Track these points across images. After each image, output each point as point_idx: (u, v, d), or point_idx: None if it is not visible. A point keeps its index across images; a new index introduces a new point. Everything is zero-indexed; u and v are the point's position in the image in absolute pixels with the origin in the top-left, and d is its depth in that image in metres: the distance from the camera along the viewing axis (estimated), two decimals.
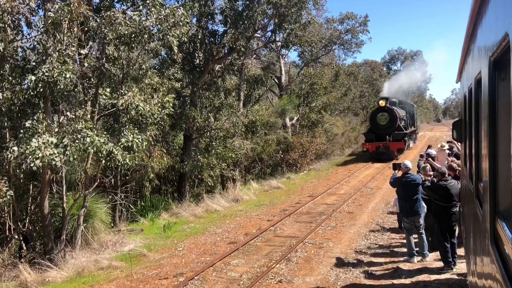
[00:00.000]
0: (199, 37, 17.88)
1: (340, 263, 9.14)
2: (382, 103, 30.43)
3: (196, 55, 18.28)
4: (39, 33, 9.82)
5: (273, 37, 25.24)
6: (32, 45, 10.08)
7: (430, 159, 11.16)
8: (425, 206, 8.98)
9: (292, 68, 35.14)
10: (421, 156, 15.62)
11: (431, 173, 9.22)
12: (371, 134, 30.63)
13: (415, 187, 8.72)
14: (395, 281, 7.94)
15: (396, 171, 9.35)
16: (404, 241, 10.36)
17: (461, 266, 8.22)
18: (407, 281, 7.92)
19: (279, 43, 27.71)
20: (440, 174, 8.33)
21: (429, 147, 19.09)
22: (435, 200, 8.26)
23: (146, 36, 10.71)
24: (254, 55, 26.06)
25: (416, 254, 8.96)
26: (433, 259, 8.91)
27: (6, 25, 9.01)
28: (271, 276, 8.50)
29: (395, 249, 9.90)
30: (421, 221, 8.85)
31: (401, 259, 9.14)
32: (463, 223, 8.04)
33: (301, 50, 32.06)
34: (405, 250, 9.61)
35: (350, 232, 11.53)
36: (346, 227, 12.11)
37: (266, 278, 8.38)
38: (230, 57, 19.06)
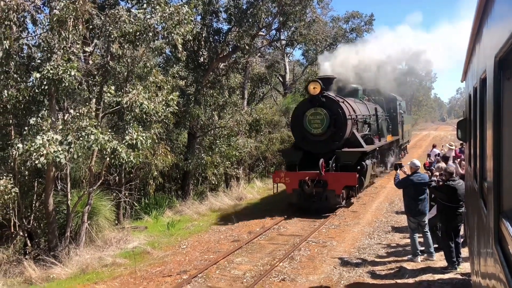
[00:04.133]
0: (204, 35, 17.87)
1: (344, 262, 9.13)
2: (314, 88, 14.28)
3: (201, 53, 18.27)
4: (44, 30, 9.85)
5: (278, 35, 25.19)
6: (37, 43, 10.11)
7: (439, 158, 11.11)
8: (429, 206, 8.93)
9: (296, 66, 35.06)
10: (429, 155, 15.60)
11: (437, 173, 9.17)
12: (294, 153, 14.98)
13: (424, 186, 8.69)
14: (399, 281, 7.93)
15: (398, 171, 9.28)
16: (408, 240, 10.36)
17: (465, 266, 8.19)
18: (411, 280, 7.91)
19: (283, 42, 27.65)
20: (448, 173, 8.27)
21: (433, 146, 19.06)
22: (441, 200, 8.19)
23: (150, 34, 10.73)
24: (259, 54, 26.00)
25: (420, 253, 8.93)
26: (437, 259, 8.88)
27: (11, 23, 9.03)
28: (274, 274, 8.50)
29: (399, 249, 9.88)
30: (426, 220, 8.84)
31: (405, 258, 9.12)
32: (467, 223, 8.01)
33: (305, 48, 31.96)
34: (409, 249, 9.59)
35: (353, 231, 11.52)
36: (349, 226, 12.09)
37: (270, 276, 8.39)
38: (234, 56, 19.04)
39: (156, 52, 12.78)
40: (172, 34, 10.99)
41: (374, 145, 16.00)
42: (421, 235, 9.06)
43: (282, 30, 22.94)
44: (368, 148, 14.69)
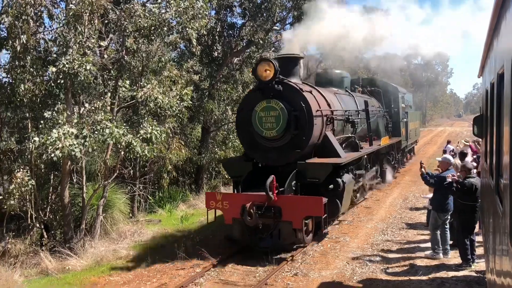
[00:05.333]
0: (218, 29, 17.88)
1: (357, 257, 9.11)
2: (265, 71, 9.78)
3: (215, 47, 18.30)
4: (61, 25, 9.95)
5: (292, 29, 25.09)
6: (53, 37, 10.22)
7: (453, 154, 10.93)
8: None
9: (310, 61, 34.89)
10: (444, 151, 15.38)
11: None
12: (238, 165, 10.86)
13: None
14: (412, 277, 7.89)
15: (424, 169, 8.91)
16: (422, 237, 10.29)
17: (479, 263, 8.12)
18: (424, 277, 7.86)
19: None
20: (467, 170, 8.13)
21: (448, 142, 18.84)
22: (459, 199, 8.01)
23: (165, 28, 10.77)
24: (273, 48, 25.96)
25: (442, 250, 8.76)
26: (451, 256, 8.81)
27: (29, 17, 9.14)
28: (286, 269, 8.52)
29: (412, 245, 9.82)
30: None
31: (419, 255, 9.06)
32: (482, 220, 7.92)
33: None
34: (423, 245, 9.55)
35: (367, 227, 11.48)
36: (363, 221, 12.05)
37: (282, 271, 8.41)
38: (248, 50, 19.01)
39: (170, 47, 12.81)
40: (187, 29, 11.01)
41: (355, 154, 11.31)
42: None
43: (296, 24, 22.83)
44: (343, 160, 10.03)
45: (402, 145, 19.72)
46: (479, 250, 8.37)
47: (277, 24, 20.22)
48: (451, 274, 7.94)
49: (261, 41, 17.67)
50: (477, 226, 8.49)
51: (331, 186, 9.65)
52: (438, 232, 8.72)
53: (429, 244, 9.58)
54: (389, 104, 18.34)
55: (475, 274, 7.83)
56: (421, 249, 9.36)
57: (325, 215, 9.02)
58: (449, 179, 8.21)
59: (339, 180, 9.74)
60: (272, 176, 9.03)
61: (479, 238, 8.70)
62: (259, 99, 9.88)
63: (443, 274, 7.98)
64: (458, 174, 8.55)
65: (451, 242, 8.91)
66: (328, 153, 10.36)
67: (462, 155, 11.09)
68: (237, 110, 11.17)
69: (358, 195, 13.23)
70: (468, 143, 15.30)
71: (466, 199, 7.86)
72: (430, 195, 9.94)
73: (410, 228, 11.22)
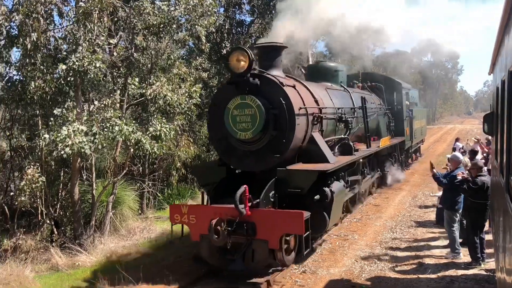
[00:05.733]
0: (226, 27, 17.91)
1: (365, 255, 9.08)
2: (237, 60, 8.25)
3: (223, 45, 18.32)
4: (70, 23, 10.03)
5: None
6: (63, 35, 10.30)
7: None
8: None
9: (320, 58, 34.80)
10: (454, 149, 15.26)
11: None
12: (210, 171, 9.30)
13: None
14: (421, 275, 7.86)
15: (434, 169, 8.83)
16: (431, 235, 10.25)
17: (489, 262, 8.07)
18: (433, 275, 7.82)
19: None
20: (478, 168, 8.06)
21: (456, 140, 18.70)
22: (470, 197, 7.94)
23: (174, 26, 10.82)
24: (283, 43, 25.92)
25: (460, 250, 8.65)
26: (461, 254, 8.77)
27: (39, 15, 9.21)
28: (295, 266, 8.52)
29: (421, 243, 9.77)
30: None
31: (428, 253, 9.01)
32: (492, 218, 7.86)
33: (329, 40, 31.67)
34: (432, 243, 9.50)
35: (375, 225, 11.44)
36: (371, 219, 12.01)
37: (291, 268, 8.40)
38: (255, 46, 19.01)
39: (179, 44, 12.86)
40: (196, 26, 11.05)
41: (348, 158, 9.75)
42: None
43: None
44: (331, 165, 8.47)
45: (406, 145, 18.23)
46: (489, 249, 8.32)
47: None
48: (461, 272, 7.90)
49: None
50: (487, 224, 8.43)
51: (317, 196, 8.04)
52: (456, 231, 8.60)
53: (438, 243, 9.55)
54: (391, 101, 16.97)
55: (485, 273, 7.78)
56: (430, 247, 9.31)
57: (308, 232, 7.42)
58: (459, 177, 8.15)
59: (327, 189, 8.18)
60: (244, 186, 7.35)
61: (488, 237, 8.64)
62: (233, 94, 8.33)
63: (452, 272, 7.93)
64: (467, 171, 8.49)
65: (460, 240, 8.85)
66: (314, 157, 8.85)
67: (473, 153, 10.99)
68: (209, 105, 9.52)
69: (355, 202, 12.31)
70: (477, 141, 15.16)
71: (477, 198, 7.80)
72: (440, 193, 9.89)
73: (419, 226, 11.17)
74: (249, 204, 7.47)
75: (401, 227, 11.14)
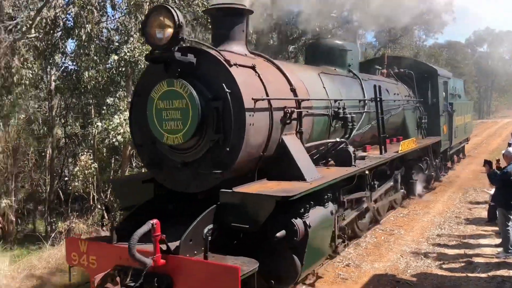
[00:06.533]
0: (274, 17, 17.85)
1: (411, 251, 8.90)
2: (158, 27, 5.29)
3: (270, 36, 18.29)
4: (122, 14, 10.33)
5: (350, 16, 24.59)
6: (115, 26, 10.63)
7: None
8: None
9: (368, 49, 34.12)
10: (509, 144, 14.54)
11: None
12: (134, 190, 6.37)
13: None
14: (470, 274, 7.61)
15: (488, 167, 8.51)
16: (482, 233, 9.89)
17: None
18: (483, 275, 7.56)
19: (355, 23, 26.96)
20: None
21: None
22: None
23: None
24: (329, 36, 25.59)
25: None
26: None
27: (93, 7, 9.55)
28: (338, 259, 8.47)
29: (471, 241, 9.46)
30: None
31: (477, 251, 8.71)
32: None
33: (378, 30, 30.97)
34: (483, 242, 9.17)
35: (423, 221, 11.16)
36: (419, 215, 11.72)
37: (334, 261, 8.37)
38: (304, 38, 18.87)
39: None
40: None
41: (340, 172, 6.94)
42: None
43: (354, 11, 22.35)
44: (305, 186, 5.75)
45: (443, 146, 14.53)
46: None
47: (334, 11, 19.91)
48: None
49: (317, 29, 17.46)
50: None
51: (280, 233, 5.29)
52: (510, 230, 8.24)
53: (489, 241, 9.21)
54: (424, 91, 13.87)
55: None
56: (480, 246, 9.00)
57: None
58: None
59: (298, 221, 5.42)
60: (152, 222, 4.68)
61: None
62: (160, 77, 5.59)
63: (504, 272, 7.63)
64: None
65: None
66: (286, 172, 6.12)
67: None
68: (132, 95, 6.88)
69: (364, 221, 9.37)
70: None
71: None
72: (493, 190, 9.52)
73: (469, 223, 10.80)
74: (163, 247, 4.81)
75: (450, 224, 10.82)
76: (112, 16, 10.77)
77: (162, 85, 5.53)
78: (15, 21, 8.81)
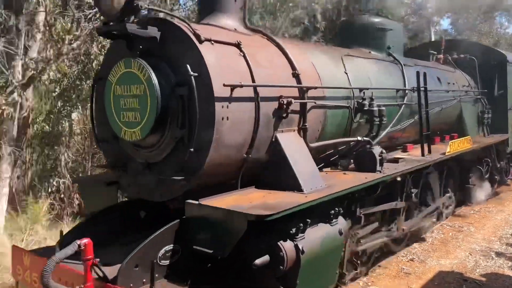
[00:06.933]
0: (343, 3, 17.50)
1: (481, 249, 8.52)
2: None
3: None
4: (193, 2, 10.60)
5: (424, 2, 23.59)
6: (186, 14, 10.94)
7: None
8: None
9: (444, 37, 32.60)
10: None
11: None
12: (98, 193, 5.17)
13: None
14: None
15: None
16: None
17: None
18: None
19: (429, 10, 25.80)
20: None
21: None
22: None
23: (290, 4, 10.88)
24: (402, 23, 24.70)
25: None
26: None
27: None
28: (402, 253, 8.30)
29: None
30: None
31: None
32: None
33: (455, 17, 29.46)
34: None
35: (496, 219, 10.62)
36: (491, 212, 11.16)
37: (398, 255, 8.21)
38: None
39: (294, 23, 12.91)
40: (312, 4, 11.00)
41: (359, 179, 5.33)
42: None
43: None
44: (299, 199, 4.29)
45: (510, 146, 12.17)
46: None
47: None
48: None
49: (389, 16, 16.92)
50: None
51: (260, 260, 3.92)
52: None
53: None
54: (490, 81, 11.76)
55: None
56: None
57: None
58: None
59: (286, 245, 4.04)
60: (79, 242, 3.61)
61: None
62: (120, 56, 4.45)
63: None
64: None
65: None
66: (282, 179, 4.75)
67: None
68: (93, 78, 5.67)
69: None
70: None
71: None
72: None
73: None
74: (97, 274, 3.73)
75: None
76: (184, 4, 11.09)
77: (120, 66, 4.37)
78: (94, 10, 9.29)
